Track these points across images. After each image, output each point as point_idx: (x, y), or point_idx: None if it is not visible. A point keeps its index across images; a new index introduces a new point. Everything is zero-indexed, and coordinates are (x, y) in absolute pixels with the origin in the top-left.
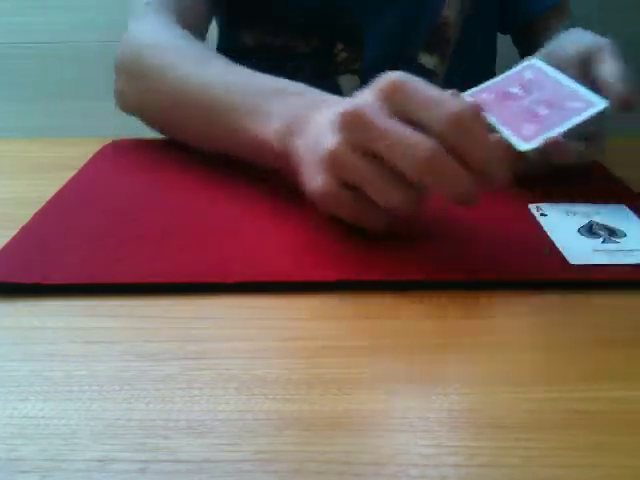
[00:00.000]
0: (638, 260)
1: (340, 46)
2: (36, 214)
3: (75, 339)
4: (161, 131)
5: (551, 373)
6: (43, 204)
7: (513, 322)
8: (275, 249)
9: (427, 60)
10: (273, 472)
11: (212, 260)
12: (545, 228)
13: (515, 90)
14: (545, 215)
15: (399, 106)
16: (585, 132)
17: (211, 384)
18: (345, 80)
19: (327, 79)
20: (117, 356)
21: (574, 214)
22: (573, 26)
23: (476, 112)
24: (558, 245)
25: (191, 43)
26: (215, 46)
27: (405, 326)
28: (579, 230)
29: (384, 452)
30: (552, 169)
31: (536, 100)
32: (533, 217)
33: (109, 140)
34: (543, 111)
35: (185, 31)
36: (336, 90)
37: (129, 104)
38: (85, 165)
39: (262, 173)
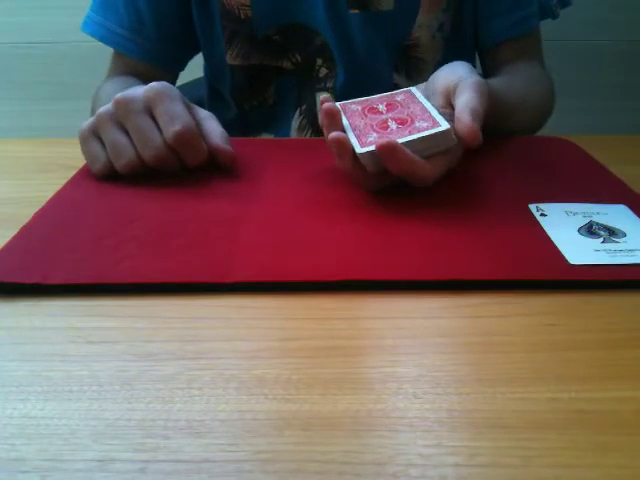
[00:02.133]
0: (638, 260)
1: (320, 62)
2: (36, 214)
3: (75, 339)
4: None
5: (551, 373)
6: (43, 204)
7: (513, 322)
8: (275, 249)
9: (400, 80)
10: (273, 472)
11: (212, 260)
12: (545, 228)
13: (381, 107)
14: (545, 215)
15: (149, 108)
16: (430, 154)
17: (211, 384)
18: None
19: (310, 94)
20: (117, 356)
21: (574, 214)
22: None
23: (191, 134)
24: (558, 245)
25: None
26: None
27: (405, 326)
28: (579, 230)
29: (384, 452)
30: (396, 181)
31: (393, 117)
32: (533, 217)
33: None
34: (393, 126)
35: (123, 77)
36: (313, 106)
37: None
38: (85, 165)
39: (263, 174)
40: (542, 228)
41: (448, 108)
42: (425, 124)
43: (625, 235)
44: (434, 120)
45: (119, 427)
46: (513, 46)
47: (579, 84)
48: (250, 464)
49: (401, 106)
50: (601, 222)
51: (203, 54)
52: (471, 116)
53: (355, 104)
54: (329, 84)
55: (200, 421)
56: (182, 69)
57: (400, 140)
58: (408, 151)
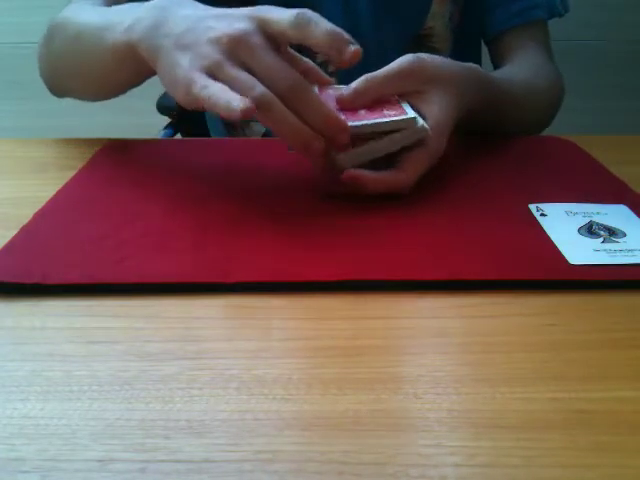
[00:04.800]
0: (638, 260)
1: None
2: (36, 214)
3: (75, 339)
4: (73, 84)
5: (551, 373)
6: (43, 204)
7: (513, 322)
8: (275, 249)
9: None
10: (273, 472)
11: (212, 260)
12: (545, 228)
13: None
14: (545, 215)
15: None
16: (402, 146)
17: (211, 384)
18: None
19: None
20: (117, 356)
21: (574, 214)
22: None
23: (304, 86)
24: (558, 245)
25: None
26: None
27: (405, 326)
28: (579, 230)
29: (384, 452)
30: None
31: (367, 107)
32: (533, 217)
33: (109, 140)
34: (362, 111)
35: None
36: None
37: (42, 67)
38: (85, 165)
39: (263, 174)
40: (542, 228)
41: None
42: (392, 112)
43: (625, 235)
44: (402, 109)
45: (119, 427)
46: (516, 36)
47: (579, 84)
48: (250, 464)
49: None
50: (601, 222)
51: None
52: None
53: (332, 89)
54: (331, 69)
55: (200, 421)
56: None
57: (361, 124)
58: (371, 173)
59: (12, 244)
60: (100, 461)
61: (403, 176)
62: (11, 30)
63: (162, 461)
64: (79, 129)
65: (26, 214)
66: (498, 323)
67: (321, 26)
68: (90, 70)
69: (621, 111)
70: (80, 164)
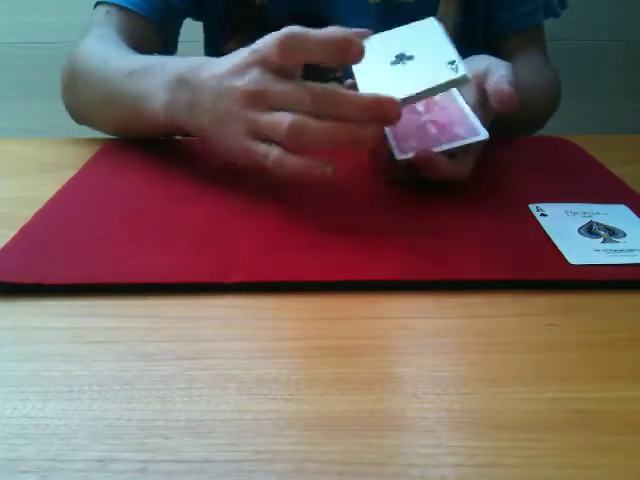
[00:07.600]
0: (638, 260)
1: None
2: (36, 214)
3: (75, 339)
4: (102, 130)
5: (551, 373)
6: (43, 204)
7: (513, 322)
8: (275, 249)
9: None
10: (273, 472)
11: (212, 260)
12: (545, 228)
13: (420, 108)
14: (545, 215)
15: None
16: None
17: (211, 384)
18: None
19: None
20: (117, 356)
21: (574, 214)
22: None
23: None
24: (558, 245)
25: (116, 49)
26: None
27: (404, 326)
28: (579, 230)
29: (384, 452)
30: (422, 178)
31: (431, 120)
32: (533, 217)
33: (109, 140)
34: (432, 130)
35: (118, 40)
36: None
37: (75, 115)
38: (85, 165)
39: (262, 173)
40: (542, 228)
41: (480, 96)
42: (462, 131)
43: (625, 235)
44: (471, 127)
45: (119, 427)
46: (520, 39)
47: (579, 84)
48: (250, 464)
49: (439, 107)
50: (601, 222)
51: (204, 44)
52: (508, 85)
53: (414, 113)
54: (339, 73)
55: (200, 421)
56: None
57: (439, 149)
58: (444, 159)
59: (12, 244)
60: (100, 461)
61: (464, 165)
62: (11, 30)
63: (162, 461)
64: (79, 129)
65: (26, 214)
66: (498, 323)
67: (310, 41)
68: (121, 126)
69: (621, 111)
70: (80, 164)
